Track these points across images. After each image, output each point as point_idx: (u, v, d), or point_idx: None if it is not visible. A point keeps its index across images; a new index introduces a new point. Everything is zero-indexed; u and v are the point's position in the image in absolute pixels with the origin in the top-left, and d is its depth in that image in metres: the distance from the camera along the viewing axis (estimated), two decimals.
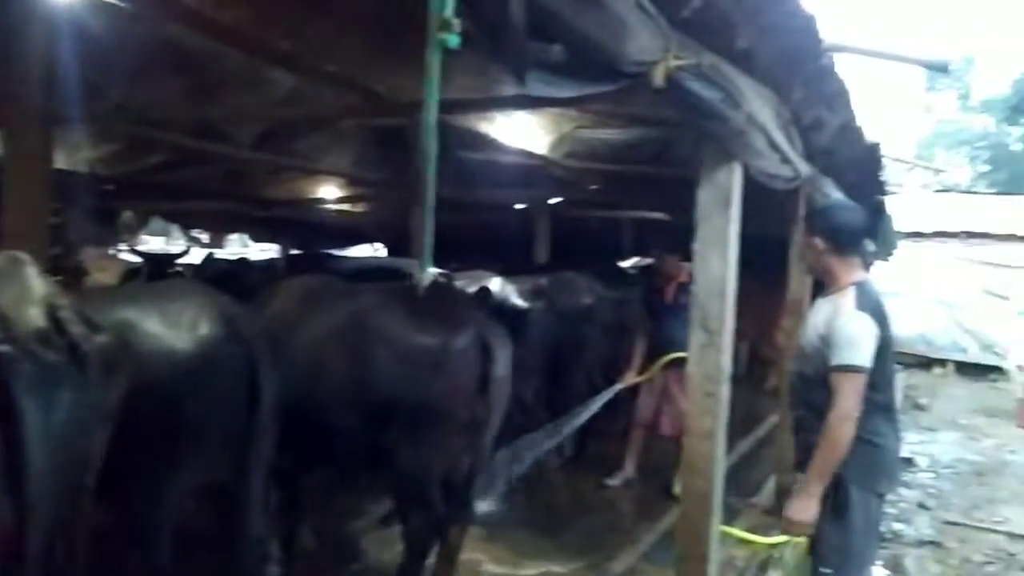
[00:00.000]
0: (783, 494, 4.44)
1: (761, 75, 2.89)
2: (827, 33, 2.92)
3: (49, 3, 3.14)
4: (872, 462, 2.61)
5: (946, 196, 18.79)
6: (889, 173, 6.22)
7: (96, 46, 3.55)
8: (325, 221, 10.53)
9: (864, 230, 3.09)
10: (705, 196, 2.88)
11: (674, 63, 2.15)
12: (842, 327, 2.58)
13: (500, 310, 4.88)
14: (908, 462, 6.63)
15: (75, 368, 1.83)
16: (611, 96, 2.63)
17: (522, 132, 5.13)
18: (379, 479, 3.77)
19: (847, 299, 2.66)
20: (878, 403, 2.64)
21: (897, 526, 4.96)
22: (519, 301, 5.16)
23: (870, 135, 4.63)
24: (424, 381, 2.95)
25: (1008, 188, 31.29)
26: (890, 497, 5.40)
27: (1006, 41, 39.99)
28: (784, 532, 2.62)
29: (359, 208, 9.57)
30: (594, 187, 7.43)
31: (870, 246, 6.04)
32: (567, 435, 5.80)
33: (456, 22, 1.46)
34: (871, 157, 5.06)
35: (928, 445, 7.65)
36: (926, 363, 13.56)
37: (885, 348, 2.62)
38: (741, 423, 6.31)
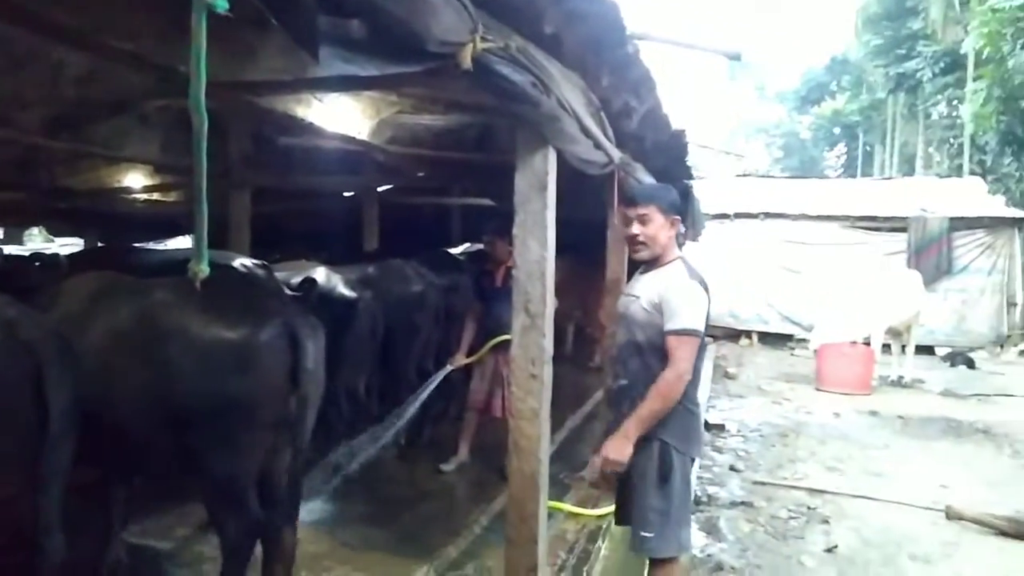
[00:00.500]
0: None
1: (569, 61, 2.96)
2: (631, 22, 3.05)
3: None
4: (690, 429, 2.79)
5: (746, 180, 20.27)
6: (696, 159, 6.62)
7: None
8: (134, 212, 9.77)
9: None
10: (522, 181, 2.92)
11: (482, 45, 2.14)
12: (677, 294, 2.72)
13: (327, 301, 4.76)
14: (721, 428, 7.14)
15: None
16: (421, 79, 2.59)
17: (341, 117, 4.99)
18: (191, 485, 3.54)
19: (679, 270, 2.82)
20: (698, 371, 2.81)
21: (711, 489, 5.32)
22: (346, 291, 5.04)
23: (676, 122, 4.89)
24: (225, 379, 2.78)
25: (799, 172, 34.50)
26: (705, 462, 5.82)
27: (796, 36, 43.78)
28: (601, 469, 2.72)
29: (171, 197, 8.97)
30: (420, 174, 7.39)
31: (681, 227, 6.42)
32: (402, 424, 5.80)
33: None
34: (678, 143, 5.34)
35: (737, 411, 8.27)
36: (733, 335, 14.67)
37: (706, 320, 2.79)
38: (569, 400, 6.55)
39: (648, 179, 4.81)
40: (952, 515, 4.82)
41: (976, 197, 15.64)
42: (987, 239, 13.99)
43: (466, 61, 2.18)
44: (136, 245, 8.05)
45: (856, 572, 4.02)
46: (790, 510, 4.94)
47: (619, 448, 2.68)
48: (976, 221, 14.09)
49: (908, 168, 28.08)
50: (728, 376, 10.54)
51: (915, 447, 6.82)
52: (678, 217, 2.92)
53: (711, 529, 4.59)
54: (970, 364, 12.48)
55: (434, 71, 2.15)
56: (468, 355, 5.17)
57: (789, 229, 15.25)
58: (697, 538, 4.37)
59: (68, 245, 13.66)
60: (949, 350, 13.37)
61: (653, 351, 2.76)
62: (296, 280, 4.75)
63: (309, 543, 3.92)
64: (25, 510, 2.49)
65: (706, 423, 6.59)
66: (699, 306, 2.72)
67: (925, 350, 12.31)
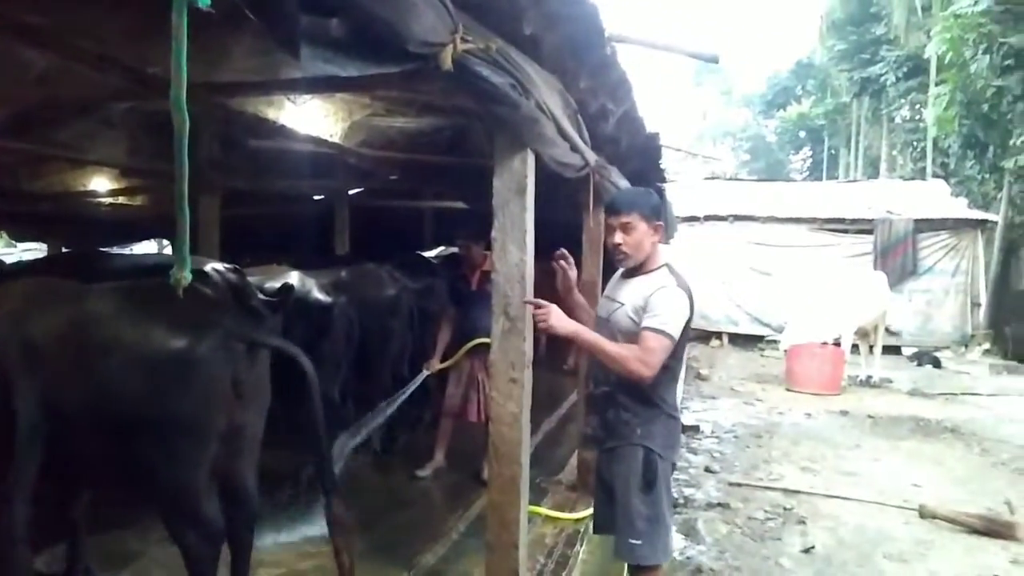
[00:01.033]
0: (585, 470, 4.62)
1: (548, 63, 2.94)
2: (608, 24, 3.04)
3: None
4: (673, 435, 2.77)
5: (715, 183, 20.47)
6: (666, 162, 6.65)
7: None
8: (99, 216, 9.56)
9: None
10: (500, 184, 2.88)
11: (462, 46, 2.11)
12: (664, 299, 2.68)
13: (302, 305, 4.68)
14: (696, 429, 7.17)
15: None
16: (400, 80, 2.56)
17: (313, 120, 4.92)
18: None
19: (667, 277, 2.78)
20: (676, 377, 2.79)
21: (688, 491, 5.34)
22: (321, 296, 4.97)
23: (650, 125, 4.90)
24: (167, 390, 2.69)
25: (766, 175, 34.89)
26: (681, 463, 5.83)
27: (762, 41, 44.34)
28: (535, 314, 2.68)
29: (137, 201, 8.79)
30: (393, 177, 7.33)
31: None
32: (376, 430, 5.74)
33: None
34: (652, 146, 5.36)
35: (711, 412, 8.32)
36: (704, 336, 14.79)
37: (688, 328, 2.77)
38: (544, 403, 6.54)
39: (623, 182, 4.81)
40: (925, 514, 4.89)
41: (940, 199, 15.95)
42: (951, 240, 14.26)
43: (446, 62, 2.15)
44: (101, 250, 7.86)
45: (833, 572, 4.05)
46: (766, 511, 4.96)
47: (560, 324, 2.66)
48: (940, 223, 14.36)
49: (872, 171, 28.52)
50: (700, 377, 10.61)
51: (886, 446, 6.91)
52: (660, 223, 2.88)
53: (689, 531, 4.59)
54: (936, 363, 12.71)
55: (414, 72, 2.12)
56: (443, 360, 5.12)
57: (758, 231, 15.43)
58: (676, 541, 4.37)
59: (31, 250, 13.36)
60: (915, 350, 13.61)
61: None
62: (270, 284, 4.66)
63: (285, 554, 3.87)
64: None
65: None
66: (679, 315, 2.69)
67: (892, 350, 12.51)
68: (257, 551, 3.80)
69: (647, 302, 2.69)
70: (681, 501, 5.08)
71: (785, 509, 5.01)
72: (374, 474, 5.34)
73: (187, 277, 1.42)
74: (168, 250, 12.54)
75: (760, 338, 14.72)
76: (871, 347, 10.92)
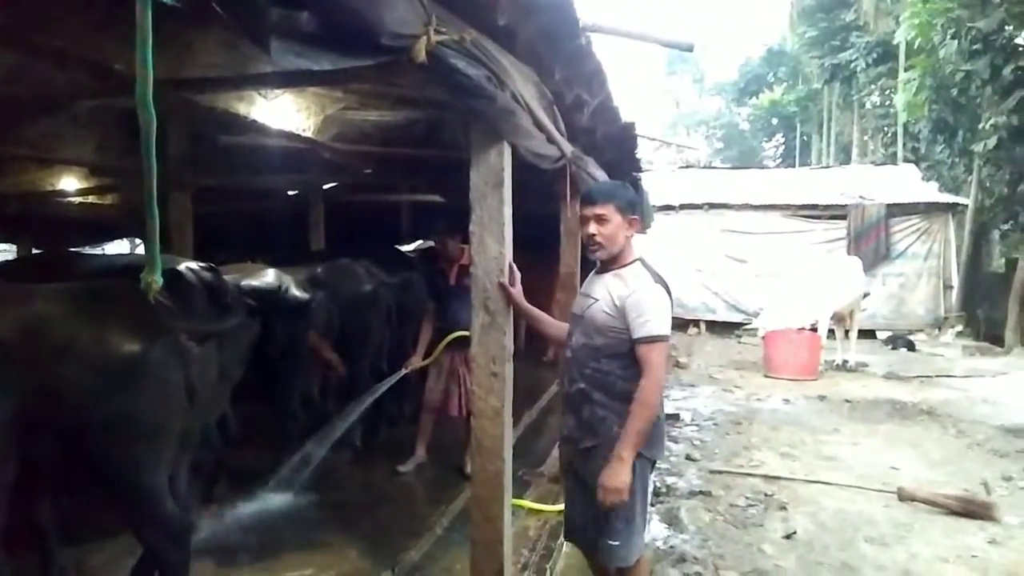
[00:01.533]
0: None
1: (523, 54, 2.91)
2: (583, 14, 3.01)
3: None
4: (656, 434, 2.73)
5: (689, 172, 20.55)
6: (641, 151, 6.65)
7: None
8: (70, 216, 9.39)
9: None
10: (477, 177, 2.86)
11: (436, 38, 2.08)
12: (644, 300, 2.64)
13: (281, 302, 4.63)
14: (675, 418, 7.20)
15: None
16: (373, 73, 2.52)
17: (285, 114, 4.86)
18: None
19: (641, 273, 2.74)
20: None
21: (670, 479, 5.35)
22: (298, 292, 4.91)
23: (625, 115, 4.88)
24: (121, 394, 2.68)
25: (739, 162, 35.11)
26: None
27: (733, 28, 44.55)
28: (604, 501, 2.59)
29: (108, 200, 8.65)
30: (367, 171, 7.27)
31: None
32: (355, 427, 5.70)
33: None
34: (627, 135, 5.35)
35: (690, 400, 8.36)
36: (682, 324, 14.86)
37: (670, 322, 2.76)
38: (524, 396, 6.52)
39: (599, 172, 4.79)
40: (904, 496, 4.94)
41: (911, 184, 16.14)
42: (922, 224, 14.44)
43: (420, 54, 2.12)
44: (72, 251, 7.71)
45: (815, 557, 4.07)
46: (748, 498, 4.98)
47: (618, 476, 2.56)
48: (912, 207, 14.54)
49: (844, 157, 28.80)
50: (679, 366, 10.66)
51: (864, 430, 6.98)
52: (636, 217, 2.85)
53: (672, 520, 4.60)
54: (910, 347, 12.87)
55: (387, 65, 2.08)
56: (425, 356, 5.09)
57: (733, 219, 15.53)
58: (659, 529, 4.39)
59: (2, 252, 13.11)
60: (890, 333, 13.77)
61: (612, 355, 2.69)
62: (246, 282, 4.61)
63: (267, 550, 3.83)
64: None
65: None
66: (665, 311, 2.68)
67: (867, 334, 12.65)
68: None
69: (626, 303, 2.65)
70: (663, 490, 5.09)
71: (766, 495, 5.04)
72: (355, 470, 5.31)
73: (158, 281, 1.38)
74: (141, 250, 12.38)
75: (737, 325, 14.82)
76: (847, 332, 11.03)
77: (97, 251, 12.36)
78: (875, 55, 22.80)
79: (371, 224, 10.30)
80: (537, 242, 5.92)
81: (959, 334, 13.87)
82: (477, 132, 2.81)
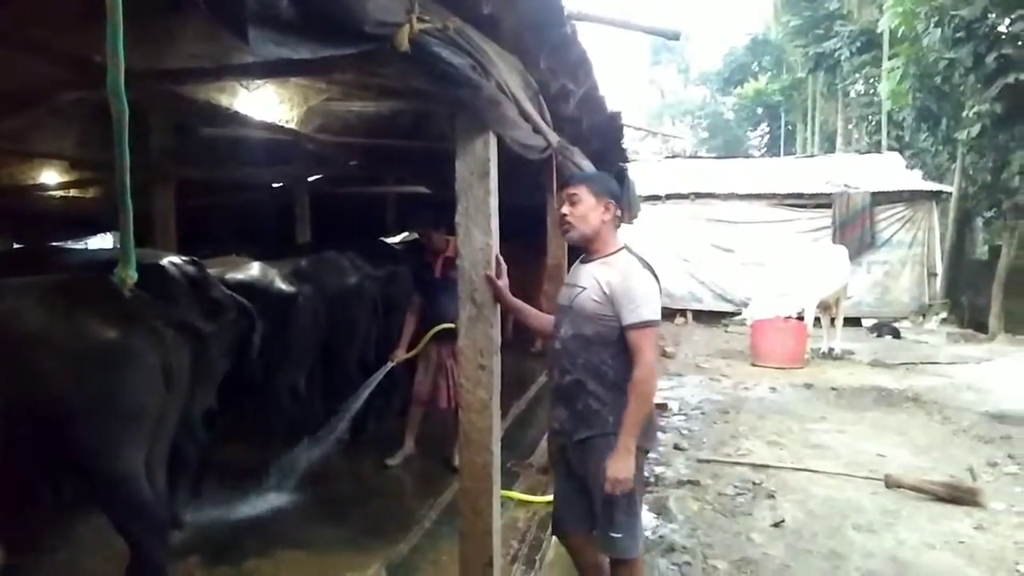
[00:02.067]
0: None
1: (507, 43, 2.88)
2: (568, 2, 2.99)
3: None
4: (648, 423, 2.72)
5: (675, 162, 20.57)
6: (626, 141, 6.63)
7: None
8: (51, 210, 9.27)
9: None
10: (463, 168, 2.83)
11: (419, 26, 2.05)
12: (634, 287, 2.64)
13: (266, 296, 4.60)
14: (663, 407, 7.21)
15: None
16: (355, 63, 2.48)
17: (268, 105, 4.80)
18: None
19: (629, 260, 2.74)
20: None
21: (659, 469, 5.36)
22: (285, 286, 4.87)
23: (611, 105, 4.86)
24: (97, 380, 2.73)
25: (724, 152, 35.20)
26: None
27: (717, 18, 44.59)
28: (613, 492, 2.59)
29: (90, 194, 8.54)
30: (352, 163, 7.21)
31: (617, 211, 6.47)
32: (343, 421, 5.67)
33: None
34: (613, 126, 5.33)
35: (678, 389, 8.38)
36: (668, 314, 14.89)
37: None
38: (512, 387, 6.51)
39: (585, 163, 4.77)
40: (891, 483, 4.97)
41: (895, 172, 16.20)
42: (907, 212, 14.51)
43: (403, 43, 2.08)
44: (53, 245, 7.62)
45: (804, 545, 4.09)
46: (736, 486, 5.00)
47: (624, 466, 2.57)
48: (896, 195, 14.60)
49: (829, 145, 28.92)
50: (666, 355, 10.67)
51: (850, 418, 7.02)
52: (612, 202, 2.84)
53: (661, 509, 4.61)
54: (895, 334, 12.96)
55: (370, 54, 2.05)
56: (409, 348, 5.06)
57: (719, 208, 15.56)
58: (647, 519, 4.39)
59: None
60: (875, 321, 13.85)
61: (603, 344, 2.68)
62: (231, 276, 4.57)
63: (256, 545, 3.80)
64: None
65: None
66: (655, 296, 2.67)
67: (852, 322, 12.71)
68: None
69: (615, 289, 2.64)
70: (652, 479, 5.10)
71: (754, 484, 5.06)
72: (344, 463, 5.27)
73: (132, 276, 1.34)
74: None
75: (724, 314, 14.87)
76: (832, 320, 11.08)
77: (80, 246, 12.22)
78: (859, 44, 22.87)
79: (357, 216, 10.24)
80: (523, 234, 5.90)
81: (943, 321, 13.97)
82: (462, 122, 2.78)
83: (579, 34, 3.35)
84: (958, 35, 12.02)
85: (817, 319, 10.66)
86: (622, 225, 2.94)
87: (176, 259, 4.04)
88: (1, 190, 7.44)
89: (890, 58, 17.93)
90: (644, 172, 15.87)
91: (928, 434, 6.47)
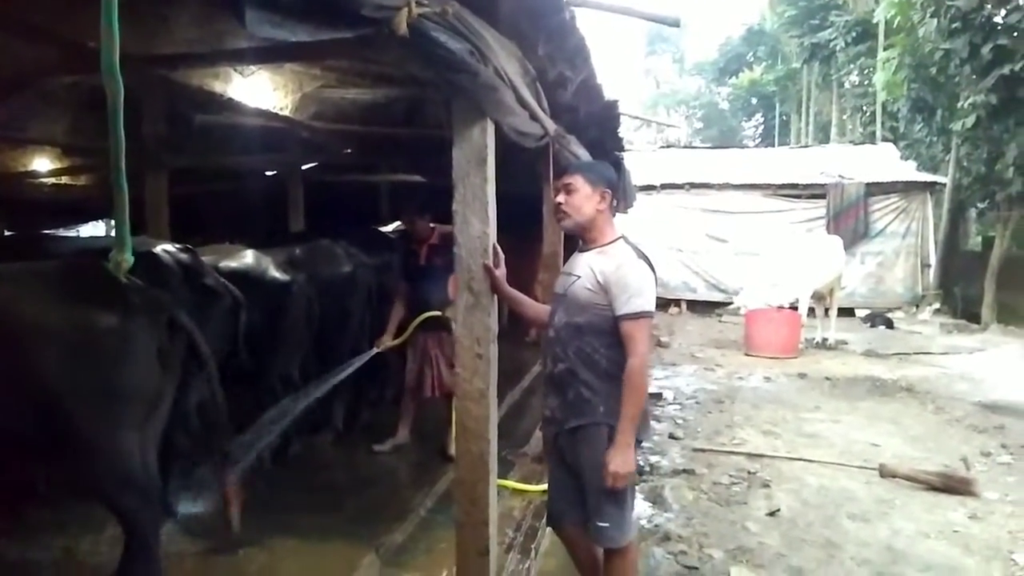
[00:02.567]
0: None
1: (505, 28, 2.85)
2: None
3: None
4: (641, 414, 2.70)
5: (670, 152, 20.56)
6: (622, 130, 6.60)
7: None
8: (43, 198, 9.20)
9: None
10: (460, 155, 2.80)
11: (417, 10, 2.03)
12: (628, 276, 2.62)
13: (260, 284, 4.57)
14: (658, 397, 7.22)
15: None
16: (353, 47, 2.45)
17: (262, 92, 4.76)
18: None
19: (626, 250, 2.71)
20: None
21: (654, 458, 5.35)
22: (279, 274, 4.84)
23: (607, 93, 4.83)
24: (94, 366, 2.74)
25: (719, 142, 35.20)
26: None
27: (713, 8, 44.49)
28: (613, 487, 2.58)
29: (82, 181, 8.48)
30: (347, 151, 7.17)
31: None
32: (338, 409, 5.65)
33: None
34: (610, 114, 5.30)
35: (672, 379, 8.38)
36: (662, 304, 14.90)
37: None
38: (507, 376, 6.50)
39: (582, 151, 4.75)
40: (885, 473, 4.98)
41: (889, 163, 16.23)
42: (901, 203, 14.54)
43: (401, 27, 2.06)
44: (46, 232, 7.57)
45: (799, 534, 4.09)
46: (731, 476, 5.00)
47: (625, 460, 2.56)
48: (891, 186, 14.63)
49: (823, 136, 28.94)
50: (660, 345, 10.68)
51: (844, 407, 7.04)
52: (608, 191, 2.82)
53: (656, 499, 4.61)
54: (889, 324, 13.00)
55: (368, 38, 2.02)
56: (396, 336, 5.07)
57: (714, 199, 15.56)
58: (643, 508, 4.39)
59: None
60: (868, 311, 13.89)
61: (595, 333, 2.66)
62: (224, 264, 4.54)
63: (249, 533, 3.78)
64: None
65: None
66: (650, 287, 2.65)
67: (845, 312, 12.74)
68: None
69: (609, 279, 2.62)
70: (647, 469, 5.10)
71: (749, 473, 5.06)
72: (336, 452, 5.27)
73: (128, 260, 1.32)
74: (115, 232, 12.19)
75: (718, 304, 14.89)
76: (827, 310, 11.11)
77: (71, 234, 12.15)
78: (854, 34, 22.85)
79: (350, 205, 10.19)
80: (518, 223, 5.87)
81: (936, 312, 14.02)
82: (459, 109, 2.76)
83: (577, 20, 3.32)
84: (954, 25, 12.01)
85: (811, 309, 10.68)
86: (617, 215, 2.91)
87: (169, 247, 4.00)
88: None
89: (885, 48, 17.93)
90: (639, 162, 15.85)
91: (922, 424, 6.49)
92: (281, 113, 5.07)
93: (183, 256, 4.00)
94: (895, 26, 15.87)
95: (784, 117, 36.55)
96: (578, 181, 2.76)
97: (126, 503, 2.87)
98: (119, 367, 2.80)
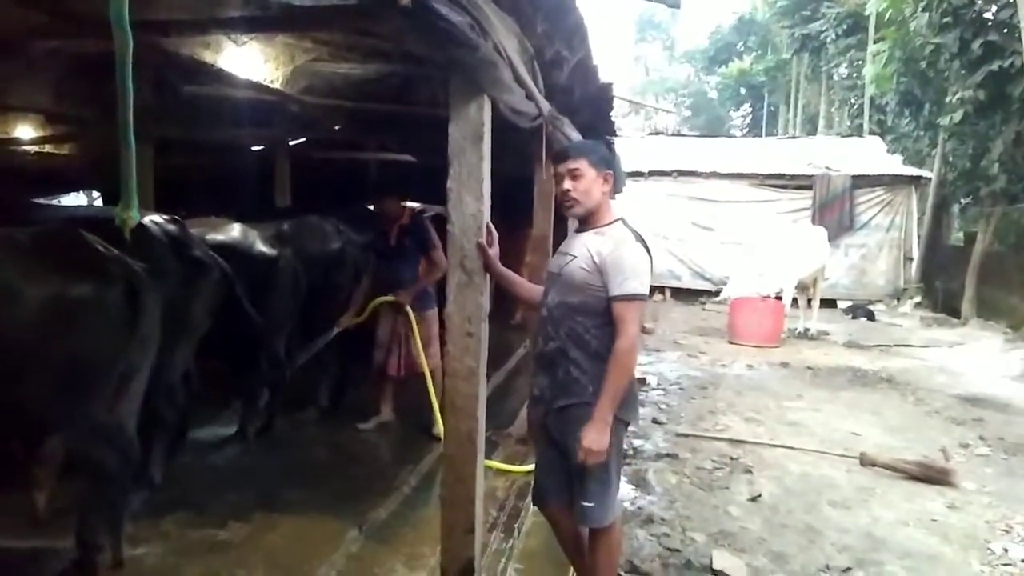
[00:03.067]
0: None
1: (505, 3, 2.82)
2: None
3: None
4: (628, 394, 2.70)
5: (658, 139, 20.52)
6: (616, 114, 6.59)
7: None
8: (24, 166, 9.03)
9: None
10: (456, 132, 2.77)
11: None
12: (624, 258, 2.59)
13: (247, 258, 4.54)
14: (642, 382, 7.24)
15: None
16: (353, 16, 2.41)
17: (253, 64, 4.67)
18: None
19: (623, 232, 2.69)
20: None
21: (637, 442, 5.37)
22: (266, 248, 4.81)
23: (602, 75, 4.79)
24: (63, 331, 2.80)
25: (707, 131, 35.19)
26: None
27: None
28: (584, 462, 2.56)
29: (65, 150, 8.32)
30: (337, 127, 7.08)
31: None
32: (322, 386, 5.64)
33: None
34: (604, 97, 5.27)
35: (656, 365, 8.42)
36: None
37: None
38: (492, 357, 6.48)
39: (574, 134, 4.71)
40: (866, 462, 5.03)
41: (876, 156, 16.30)
42: (886, 196, 14.62)
43: None
44: (32, 201, 7.43)
45: (780, 519, 4.13)
46: (714, 461, 5.03)
47: (600, 437, 2.54)
48: (876, 179, 14.70)
49: (811, 128, 29.03)
50: (645, 331, 10.70)
51: (826, 396, 7.10)
52: (610, 172, 2.80)
53: (639, 482, 4.63)
54: (870, 316, 13.11)
55: (368, 7, 1.99)
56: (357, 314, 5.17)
57: (701, 187, 15.58)
58: (626, 491, 4.40)
59: None
60: (850, 303, 14.00)
61: (588, 313, 2.65)
62: (211, 236, 4.51)
63: (232, 509, 3.77)
64: None
65: None
66: (645, 270, 2.64)
67: (827, 303, 12.83)
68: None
69: (605, 260, 2.60)
70: (631, 452, 5.12)
71: (732, 459, 5.10)
72: (320, 430, 5.27)
73: (134, 217, 1.29)
74: (98, 202, 12.02)
75: (702, 292, 14.94)
76: (809, 300, 11.17)
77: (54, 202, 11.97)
78: (845, 26, 22.86)
79: (338, 182, 10.10)
80: (506, 205, 5.84)
81: (917, 305, 14.15)
82: (457, 84, 2.72)
83: None
84: (945, 20, 12.04)
85: (794, 299, 10.74)
86: (611, 193, 2.89)
87: (157, 217, 3.96)
88: None
89: (876, 41, 17.95)
90: (627, 148, 15.82)
91: (902, 415, 6.56)
92: (271, 85, 4.98)
93: (171, 227, 3.96)
94: (886, 19, 15.88)
95: (772, 108, 36.61)
96: (583, 165, 2.71)
97: (95, 449, 2.97)
98: (90, 333, 2.86)
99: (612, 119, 6.07)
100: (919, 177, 14.99)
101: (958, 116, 12.35)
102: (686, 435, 5.63)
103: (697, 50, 42.88)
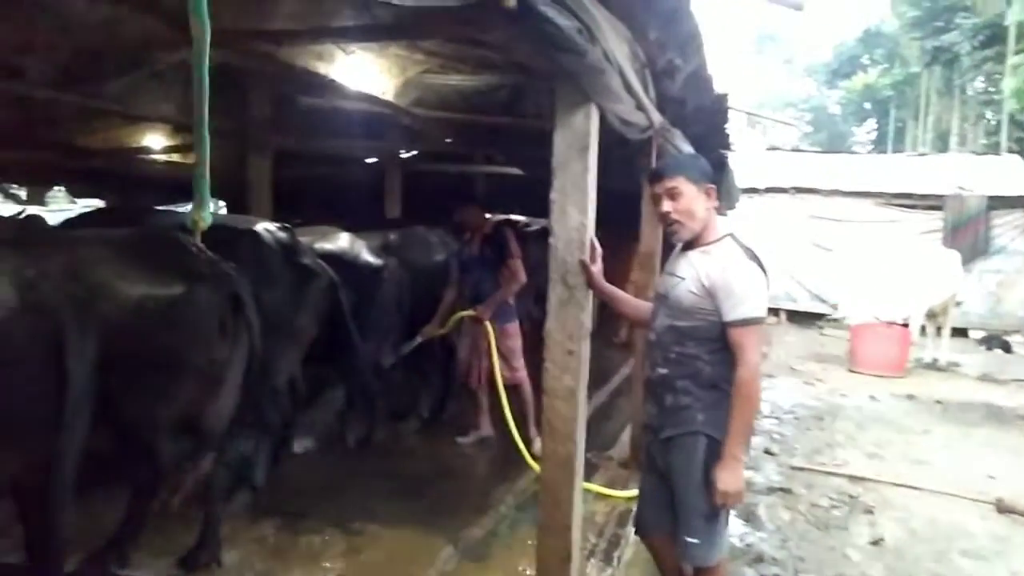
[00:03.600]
0: (638, 447, 4.42)
1: (617, 8, 2.70)
2: None
3: None
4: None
5: (776, 154, 19.84)
6: (732, 128, 6.32)
7: None
8: (153, 173, 9.58)
9: None
10: (561, 142, 2.67)
11: None
12: (736, 279, 2.42)
13: (353, 267, 4.61)
14: None
15: None
16: (458, 22, 2.35)
17: (366, 75, 4.75)
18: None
19: (733, 250, 2.51)
20: None
21: (747, 474, 5.06)
22: (371, 258, 4.87)
23: (717, 86, 4.59)
24: (152, 331, 2.73)
25: (827, 147, 33.84)
26: None
27: (828, 8, 42.81)
28: (722, 506, 2.43)
29: (191, 160, 8.77)
30: (448, 140, 7.16)
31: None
32: (423, 398, 5.66)
33: None
34: (718, 108, 5.05)
35: (769, 391, 8.01)
36: None
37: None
38: (594, 376, 6.33)
39: (686, 146, 4.53)
40: (1003, 508, 4.58)
41: (1015, 176, 15.14)
42: None
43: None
44: (151, 207, 7.85)
45: (905, 567, 3.78)
46: (831, 498, 4.70)
47: (735, 477, 2.40)
48: (1015, 200, 13.67)
49: (941, 145, 27.41)
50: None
51: (957, 433, 6.55)
52: (712, 186, 2.60)
53: (749, 516, 4.36)
54: (1006, 348, 12.16)
55: (473, 11, 1.92)
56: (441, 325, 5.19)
57: (820, 205, 14.90)
58: (735, 525, 4.16)
59: (89, 207, 13.60)
60: (984, 333, 13.04)
61: (700, 339, 2.47)
62: (319, 245, 4.60)
63: (328, 517, 3.79)
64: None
65: None
66: (761, 291, 2.44)
67: (958, 332, 11.96)
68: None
69: (715, 282, 2.42)
70: None
71: (851, 497, 4.75)
72: (420, 441, 5.27)
73: (205, 219, 1.25)
74: (223, 211, 12.62)
75: (819, 316, 14.27)
76: (939, 328, 10.44)
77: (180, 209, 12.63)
78: (982, 38, 21.53)
79: (449, 194, 10.24)
80: (612, 220, 5.70)
81: None
82: (563, 92, 2.62)
83: (691, 4, 3.13)
84: None
85: (922, 327, 10.05)
86: (717, 207, 2.69)
87: (270, 225, 4.07)
88: (107, 152, 7.71)
89: (1016, 54, 16.80)
90: (743, 163, 15.33)
91: None
92: (383, 97, 5.06)
93: (282, 235, 4.05)
94: None
95: (899, 123, 34.84)
96: (681, 183, 2.53)
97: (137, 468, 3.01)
98: (179, 334, 2.82)
99: (726, 132, 5.82)
100: None
101: None
102: (801, 468, 5.29)
103: (819, 63, 41.39)
